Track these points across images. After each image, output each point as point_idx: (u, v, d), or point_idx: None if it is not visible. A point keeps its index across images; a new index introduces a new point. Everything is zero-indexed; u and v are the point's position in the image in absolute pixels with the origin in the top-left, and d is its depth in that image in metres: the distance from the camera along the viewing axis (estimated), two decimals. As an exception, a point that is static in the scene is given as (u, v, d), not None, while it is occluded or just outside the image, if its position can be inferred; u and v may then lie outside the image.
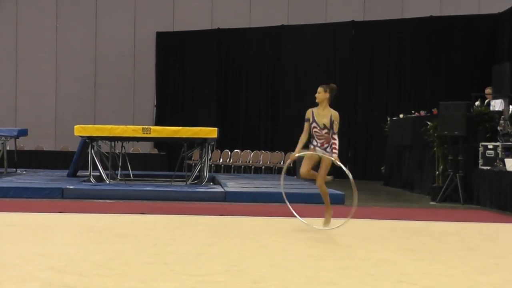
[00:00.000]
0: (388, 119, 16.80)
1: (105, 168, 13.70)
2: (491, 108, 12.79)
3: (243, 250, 6.23)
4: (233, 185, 12.98)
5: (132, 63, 22.54)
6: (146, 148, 21.42)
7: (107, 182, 13.40)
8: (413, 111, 15.40)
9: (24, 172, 16.20)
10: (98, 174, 13.59)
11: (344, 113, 18.67)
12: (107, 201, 11.02)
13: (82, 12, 22.51)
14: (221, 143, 19.28)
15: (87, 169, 13.70)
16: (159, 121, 21.26)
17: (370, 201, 12.44)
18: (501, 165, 11.03)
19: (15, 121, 21.91)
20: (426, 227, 8.58)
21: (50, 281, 4.65)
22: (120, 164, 14.73)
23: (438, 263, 5.76)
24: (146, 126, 13.69)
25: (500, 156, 11.21)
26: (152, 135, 13.24)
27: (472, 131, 12.09)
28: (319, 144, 7.55)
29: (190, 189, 12.15)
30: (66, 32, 22.49)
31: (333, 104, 7.64)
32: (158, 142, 20.49)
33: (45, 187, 11.62)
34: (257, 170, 19.66)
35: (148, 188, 12.08)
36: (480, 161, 11.75)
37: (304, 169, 7.59)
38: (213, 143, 14.65)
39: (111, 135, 13.26)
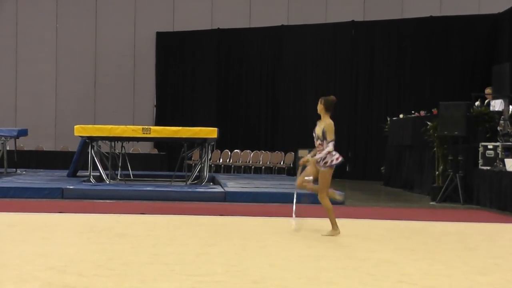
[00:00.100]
0: (388, 119, 16.80)
1: (105, 168, 13.70)
2: (491, 108, 12.79)
3: (243, 250, 6.24)
4: (233, 185, 12.98)
5: (132, 63, 22.54)
6: (146, 148, 21.42)
7: (107, 182, 13.40)
8: (413, 111, 15.40)
9: (24, 172, 16.20)
10: (98, 174, 13.59)
11: (344, 113, 18.92)
12: (107, 201, 11.02)
13: (82, 12, 22.50)
14: (221, 143, 19.26)
15: (87, 169, 13.70)
16: (159, 121, 21.25)
17: (370, 201, 12.45)
18: (501, 165, 11.03)
19: (15, 121, 21.90)
20: (426, 227, 8.58)
21: (50, 281, 4.65)
22: (120, 164, 14.72)
23: (438, 263, 5.76)
24: (146, 126, 13.69)
25: (500, 156, 11.21)
26: (152, 135, 13.24)
27: (472, 131, 12.09)
28: (317, 155, 7.46)
29: (190, 189, 12.15)
30: (66, 32, 22.48)
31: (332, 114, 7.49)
32: (158, 142, 20.48)
33: (45, 187, 11.63)
34: (257, 170, 19.65)
35: (148, 188, 12.08)
36: (480, 161, 11.75)
37: (298, 179, 7.52)
38: (213, 143, 14.66)
39: (111, 135, 13.26)
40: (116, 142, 14.22)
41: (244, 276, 4.99)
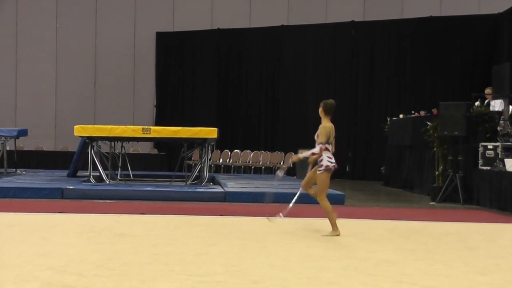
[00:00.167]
0: (388, 119, 16.80)
1: (105, 168, 13.69)
2: (491, 108, 12.79)
3: (243, 250, 6.24)
4: (233, 185, 12.98)
5: (132, 63, 22.54)
6: (146, 148, 21.42)
7: (107, 182, 13.39)
8: (413, 111, 15.40)
9: (24, 172, 16.19)
10: (98, 174, 13.59)
11: (344, 113, 18.92)
12: (107, 201, 11.02)
13: (82, 12, 22.50)
14: (221, 143, 19.27)
15: (87, 169, 13.70)
16: (159, 121, 21.26)
17: (370, 201, 12.45)
18: (501, 165, 11.03)
19: (15, 121, 21.90)
20: (426, 227, 8.58)
21: (50, 281, 4.65)
22: (120, 164, 14.72)
23: (438, 263, 5.76)
24: (146, 126, 13.69)
25: (500, 156, 11.21)
26: (152, 135, 13.24)
27: (472, 131, 12.09)
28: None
29: (190, 189, 12.15)
30: (66, 32, 22.49)
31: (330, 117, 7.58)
32: (158, 142, 20.48)
33: (45, 187, 11.62)
34: (257, 170, 19.65)
35: (148, 188, 12.08)
36: (480, 161, 11.76)
37: (303, 181, 7.65)
38: (213, 143, 14.65)
39: (111, 135, 13.26)
40: (116, 142, 14.22)
41: (244, 276, 4.99)
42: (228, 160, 20.14)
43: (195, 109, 21.78)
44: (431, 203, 12.14)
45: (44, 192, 11.37)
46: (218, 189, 12.28)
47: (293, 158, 7.66)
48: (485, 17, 18.75)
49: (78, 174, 15.00)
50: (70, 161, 15.54)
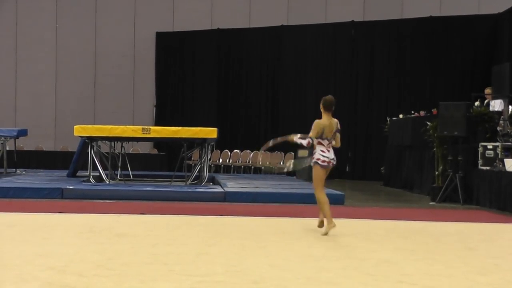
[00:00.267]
0: (388, 119, 16.79)
1: (104, 168, 13.69)
2: (491, 109, 12.78)
3: (243, 250, 6.24)
4: (233, 185, 12.98)
5: (132, 63, 22.53)
6: (146, 148, 21.41)
7: (107, 182, 13.39)
8: (413, 111, 15.40)
9: (23, 172, 16.19)
10: (98, 174, 13.59)
11: (344, 113, 18.89)
12: (107, 201, 11.02)
13: (82, 12, 22.49)
14: (221, 143, 19.25)
15: (87, 169, 13.70)
16: (159, 121, 21.25)
17: (370, 201, 12.46)
18: (500, 165, 11.03)
19: (15, 121, 21.89)
20: (426, 227, 8.58)
21: (50, 281, 4.65)
22: (119, 164, 14.71)
23: (438, 263, 5.76)
24: (146, 126, 13.69)
25: (499, 156, 11.21)
26: (152, 135, 13.24)
27: (472, 131, 12.09)
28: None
29: (189, 189, 12.15)
30: (66, 32, 22.48)
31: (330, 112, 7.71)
32: (158, 142, 20.47)
33: (45, 187, 11.63)
34: (257, 170, 19.64)
35: (148, 188, 12.08)
36: (480, 161, 11.75)
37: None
38: (212, 143, 14.65)
39: (110, 135, 13.26)
40: (116, 142, 14.21)
41: (244, 276, 4.99)
42: (228, 160, 20.14)
43: (195, 109, 21.77)
44: (431, 203, 12.14)
45: (44, 192, 11.37)
46: (218, 189, 12.28)
47: (289, 137, 7.82)
48: (485, 17, 18.75)
49: (78, 174, 14.99)
50: (70, 161, 15.54)
